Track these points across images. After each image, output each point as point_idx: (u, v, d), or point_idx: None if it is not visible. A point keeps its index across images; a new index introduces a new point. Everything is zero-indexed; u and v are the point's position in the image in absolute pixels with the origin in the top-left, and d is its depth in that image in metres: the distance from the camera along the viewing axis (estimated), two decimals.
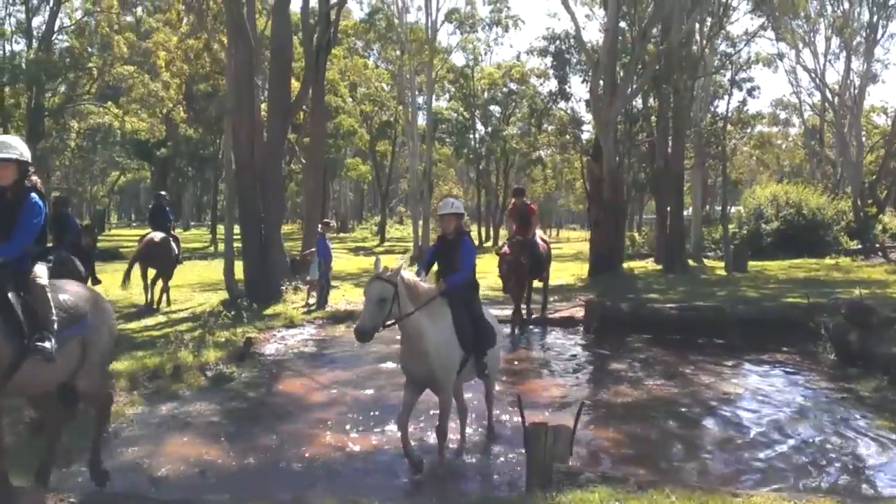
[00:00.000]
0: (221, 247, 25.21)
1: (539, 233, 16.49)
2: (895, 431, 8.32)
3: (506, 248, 15.08)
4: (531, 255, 15.16)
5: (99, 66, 40.40)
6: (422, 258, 8.29)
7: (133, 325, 14.52)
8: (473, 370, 7.69)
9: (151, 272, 16.72)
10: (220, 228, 34.05)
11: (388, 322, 6.89)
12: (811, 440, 8.16)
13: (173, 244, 17.02)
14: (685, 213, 33.67)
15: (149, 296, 16.60)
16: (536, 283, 16.04)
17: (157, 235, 16.68)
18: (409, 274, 7.21)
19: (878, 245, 34.91)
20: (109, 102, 42.12)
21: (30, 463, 6.15)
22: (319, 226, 18.82)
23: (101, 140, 48.52)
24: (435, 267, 7.88)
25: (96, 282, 14.56)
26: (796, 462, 7.47)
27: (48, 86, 39.45)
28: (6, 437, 5.87)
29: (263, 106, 20.21)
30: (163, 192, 20.01)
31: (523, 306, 15.40)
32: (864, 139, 48.77)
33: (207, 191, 61.09)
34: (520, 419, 6.30)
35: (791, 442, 8.13)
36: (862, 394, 10.00)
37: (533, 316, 15.71)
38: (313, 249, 18.32)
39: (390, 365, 11.64)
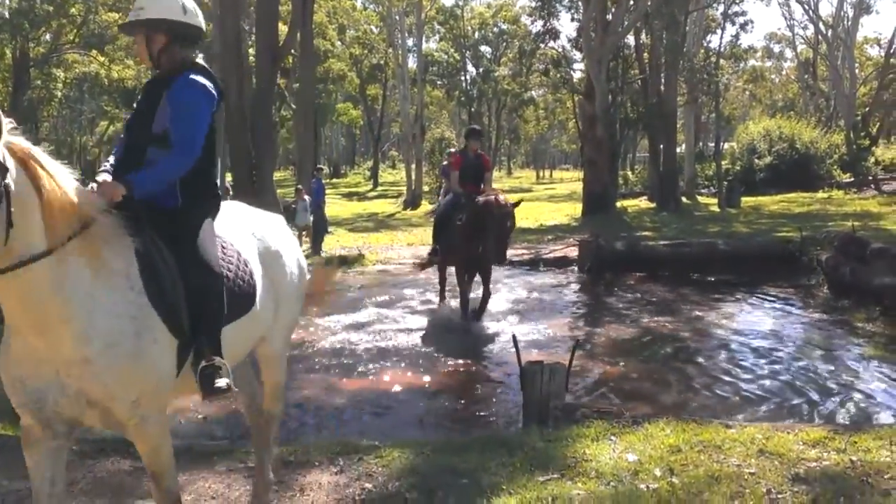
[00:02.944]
0: None
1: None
2: (887, 361, 8.42)
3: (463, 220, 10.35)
4: (498, 236, 9.88)
5: (82, 14, 39.75)
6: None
7: None
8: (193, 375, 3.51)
9: None
10: None
11: None
12: (805, 371, 8.24)
13: None
14: (678, 150, 33.59)
15: None
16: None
17: None
18: (35, 149, 3.00)
19: (870, 177, 34.92)
20: (94, 51, 41.52)
21: None
22: (314, 171, 18.82)
23: (88, 89, 47.97)
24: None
25: None
26: (790, 393, 7.55)
27: (32, 35, 38.84)
28: None
29: (251, 51, 19.96)
30: None
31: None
32: (857, 71, 48.44)
33: None
34: (516, 358, 6.35)
35: (785, 373, 8.22)
36: (855, 325, 10.12)
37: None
38: (298, 198, 18.37)
39: (389, 311, 11.72)
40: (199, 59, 3.86)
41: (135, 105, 3.93)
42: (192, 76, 3.70)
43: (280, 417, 4.68)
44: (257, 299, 3.86)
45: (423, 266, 12.30)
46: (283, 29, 22.91)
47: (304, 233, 18.17)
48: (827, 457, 4.80)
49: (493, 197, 10.00)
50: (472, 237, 10.16)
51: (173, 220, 3.57)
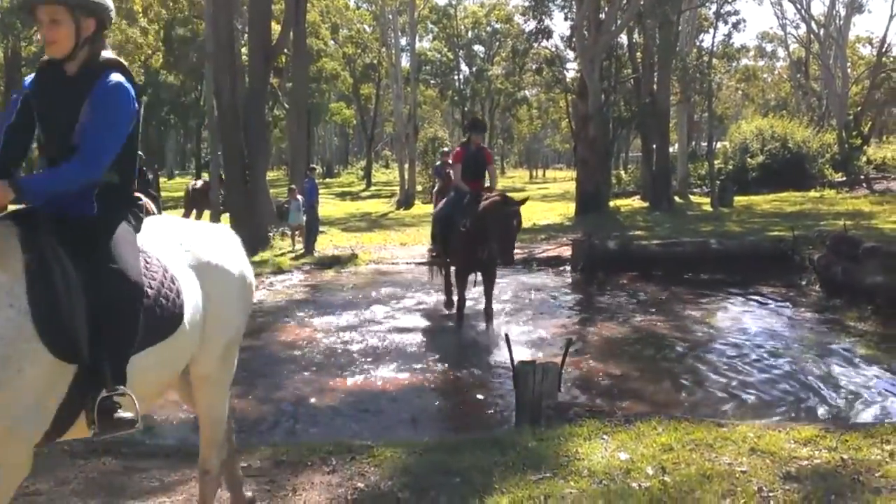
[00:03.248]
0: None
1: None
2: (879, 360, 8.43)
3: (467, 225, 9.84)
4: (505, 236, 9.43)
5: None
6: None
7: None
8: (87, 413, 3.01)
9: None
10: (206, 176, 33.86)
11: None
12: (797, 370, 8.25)
13: None
14: (671, 149, 33.65)
15: None
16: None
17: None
18: None
19: (862, 176, 35.03)
20: None
21: None
22: (307, 171, 18.85)
23: None
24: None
25: None
26: (782, 392, 7.56)
27: (24, 34, 38.72)
28: None
29: (244, 50, 19.94)
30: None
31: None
32: (849, 70, 48.57)
33: (191, 139, 60.55)
34: (508, 357, 6.35)
35: (777, 372, 8.22)
36: (847, 324, 10.12)
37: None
38: (290, 197, 18.41)
39: (382, 311, 11.71)
40: (110, 53, 3.35)
41: (19, 101, 3.27)
42: (117, 78, 3.22)
43: (217, 474, 4.06)
44: (185, 319, 3.38)
45: (436, 265, 12.07)
46: (276, 28, 22.88)
47: (296, 232, 18.16)
48: (818, 455, 4.81)
49: (498, 197, 9.56)
50: (477, 241, 9.73)
51: (87, 230, 3.13)
